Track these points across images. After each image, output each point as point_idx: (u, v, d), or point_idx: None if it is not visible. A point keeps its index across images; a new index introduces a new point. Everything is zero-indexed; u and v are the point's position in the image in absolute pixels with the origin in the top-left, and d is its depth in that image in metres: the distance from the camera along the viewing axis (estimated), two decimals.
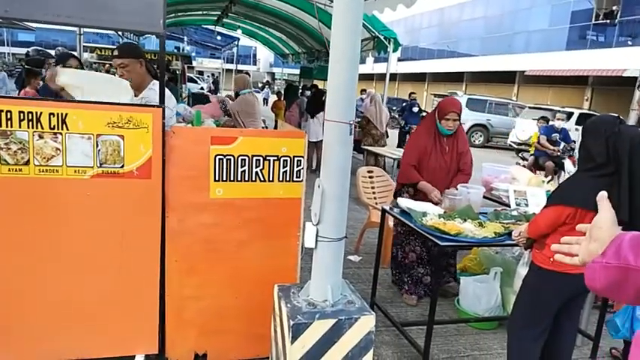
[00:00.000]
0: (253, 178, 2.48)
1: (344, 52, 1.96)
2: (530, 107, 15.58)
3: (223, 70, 25.59)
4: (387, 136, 8.59)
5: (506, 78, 23.94)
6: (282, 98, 13.85)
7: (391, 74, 9.24)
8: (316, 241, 2.08)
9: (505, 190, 3.88)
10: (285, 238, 2.59)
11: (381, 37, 8.21)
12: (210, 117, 5.78)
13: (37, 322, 2.33)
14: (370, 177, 4.80)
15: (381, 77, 11.17)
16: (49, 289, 2.31)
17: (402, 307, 3.61)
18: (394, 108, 18.37)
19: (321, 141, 4.96)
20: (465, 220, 2.95)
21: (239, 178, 2.46)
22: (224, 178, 2.43)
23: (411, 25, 34.75)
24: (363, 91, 12.94)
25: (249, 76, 7.34)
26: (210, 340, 2.57)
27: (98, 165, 2.24)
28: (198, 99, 11.41)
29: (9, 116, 2.11)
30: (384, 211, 3.30)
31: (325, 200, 2.04)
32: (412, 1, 6.16)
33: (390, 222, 4.10)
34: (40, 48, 7.69)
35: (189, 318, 2.52)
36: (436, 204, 3.31)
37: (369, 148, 7.95)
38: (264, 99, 28.37)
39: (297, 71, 17.23)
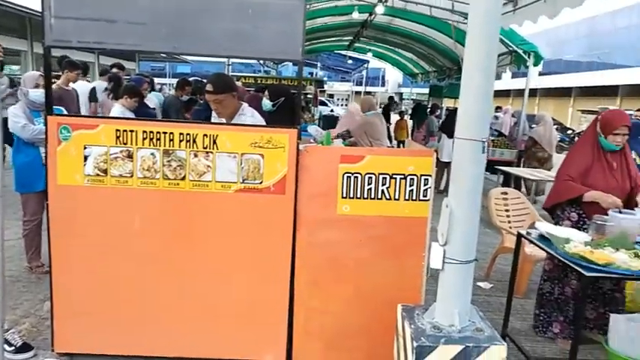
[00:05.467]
0: (379, 196, 2.51)
1: (478, 67, 1.91)
2: None
3: (352, 92, 26.38)
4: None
5: None
6: (410, 118, 13.80)
7: (531, 89, 8.63)
8: (443, 262, 2.03)
9: None
10: (410, 257, 2.56)
11: (520, 51, 7.74)
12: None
13: (180, 319, 2.62)
14: (504, 199, 4.50)
15: (519, 93, 10.46)
16: (194, 289, 2.59)
17: (539, 342, 3.29)
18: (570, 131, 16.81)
19: None
20: (617, 250, 2.60)
21: (365, 196, 2.51)
22: (351, 195, 2.51)
23: (554, 36, 32.05)
24: (498, 108, 12.24)
25: (375, 97, 7.44)
26: (334, 355, 2.63)
27: (241, 181, 2.48)
28: (329, 121, 11.91)
29: (171, 137, 2.45)
30: (519, 236, 3.07)
31: (453, 220, 1.99)
32: (556, 12, 5.72)
33: (527, 248, 3.80)
34: (198, 78, 8.78)
35: (315, 331, 2.61)
36: (617, 207, 2.95)
37: (506, 169, 7.39)
38: None
39: (426, 90, 17.00)
